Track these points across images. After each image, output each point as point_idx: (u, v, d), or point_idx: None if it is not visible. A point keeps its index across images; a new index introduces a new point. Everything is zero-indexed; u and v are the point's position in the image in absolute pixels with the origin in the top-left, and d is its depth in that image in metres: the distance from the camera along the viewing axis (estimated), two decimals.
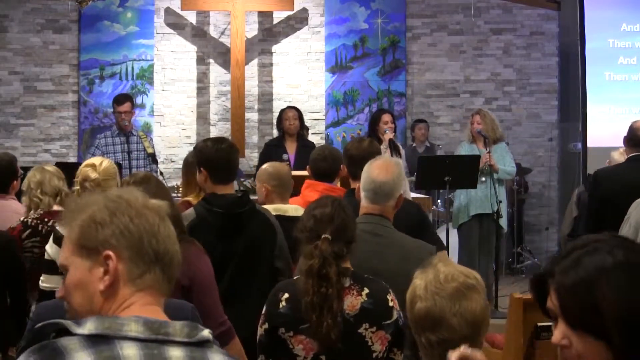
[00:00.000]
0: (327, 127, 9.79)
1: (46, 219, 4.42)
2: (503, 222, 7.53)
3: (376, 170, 3.47)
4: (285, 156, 7.56)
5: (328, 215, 2.99)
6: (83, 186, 4.12)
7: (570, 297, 1.52)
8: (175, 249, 1.62)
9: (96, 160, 4.34)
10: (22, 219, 4.50)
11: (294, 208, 4.35)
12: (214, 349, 1.57)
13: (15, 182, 4.97)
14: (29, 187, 4.54)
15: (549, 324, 5.31)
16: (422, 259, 3.32)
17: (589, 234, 5.58)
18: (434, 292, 2.23)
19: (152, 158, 7.53)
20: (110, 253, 1.55)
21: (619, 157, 5.84)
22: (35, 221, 4.43)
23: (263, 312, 3.01)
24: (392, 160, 3.68)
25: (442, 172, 7.01)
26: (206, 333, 1.56)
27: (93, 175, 4.17)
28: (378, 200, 3.41)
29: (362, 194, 3.46)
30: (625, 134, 5.43)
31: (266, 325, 2.97)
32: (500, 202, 7.33)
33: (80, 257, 1.57)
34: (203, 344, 1.55)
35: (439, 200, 8.26)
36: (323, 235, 2.94)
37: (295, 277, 3.05)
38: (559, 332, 1.53)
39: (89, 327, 1.47)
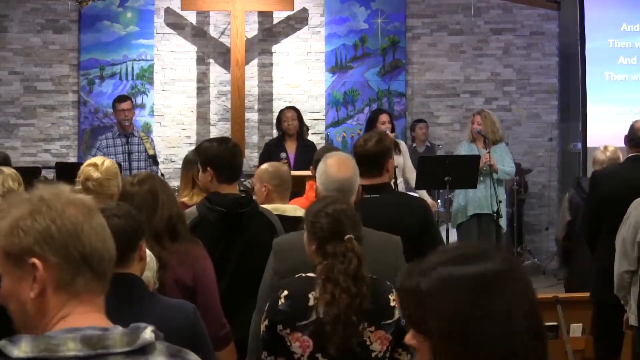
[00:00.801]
0: (327, 127, 9.80)
1: None
2: (502, 222, 7.54)
3: (334, 167, 3.43)
4: (283, 154, 7.55)
5: (347, 214, 2.96)
6: (85, 186, 4.12)
7: (408, 300, 1.56)
8: (105, 245, 1.57)
9: (98, 159, 4.34)
10: None
11: (292, 208, 4.33)
12: (157, 352, 1.54)
13: None
14: None
15: (551, 324, 5.34)
16: (389, 250, 3.31)
17: (586, 234, 5.53)
18: None
19: (153, 159, 7.54)
20: (36, 261, 1.52)
21: (601, 155, 5.86)
22: None
23: (265, 308, 3.00)
24: (344, 154, 3.64)
25: (442, 172, 7.00)
26: (148, 335, 1.52)
27: (95, 174, 4.17)
28: (344, 197, 3.33)
29: (324, 193, 3.37)
30: (625, 133, 5.43)
31: (267, 322, 2.96)
32: (500, 202, 7.35)
33: (9, 266, 1.55)
34: (144, 349, 1.52)
35: (439, 200, 8.27)
36: (347, 236, 2.89)
37: (297, 275, 3.02)
38: (409, 334, 1.59)
39: (24, 348, 1.44)
